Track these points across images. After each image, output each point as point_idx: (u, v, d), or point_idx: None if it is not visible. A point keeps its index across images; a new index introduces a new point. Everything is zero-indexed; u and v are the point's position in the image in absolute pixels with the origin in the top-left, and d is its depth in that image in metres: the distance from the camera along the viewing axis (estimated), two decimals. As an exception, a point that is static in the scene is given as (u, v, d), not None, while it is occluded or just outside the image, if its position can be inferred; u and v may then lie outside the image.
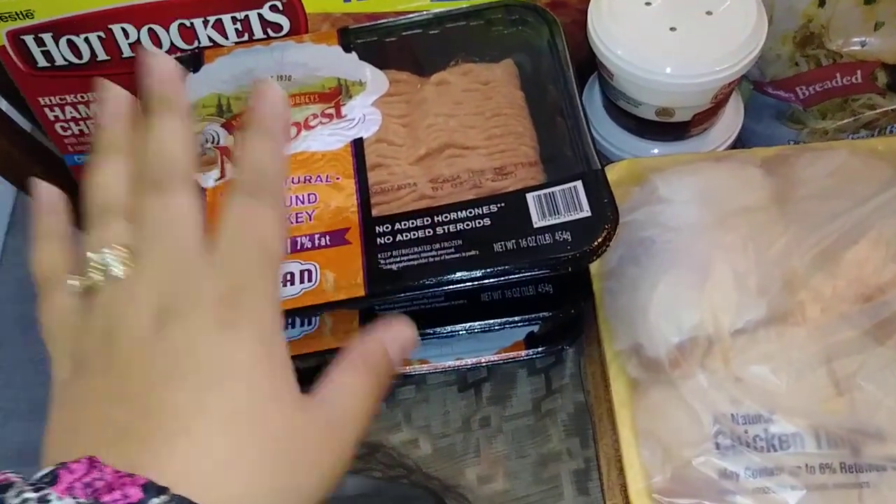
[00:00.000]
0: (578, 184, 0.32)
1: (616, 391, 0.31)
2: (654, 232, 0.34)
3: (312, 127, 0.37)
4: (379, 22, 0.41)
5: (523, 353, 0.37)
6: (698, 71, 0.36)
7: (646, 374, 0.31)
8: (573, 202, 0.32)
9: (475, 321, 0.34)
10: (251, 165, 0.24)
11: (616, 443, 0.31)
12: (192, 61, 0.40)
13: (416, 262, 0.31)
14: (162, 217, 0.23)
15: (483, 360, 0.37)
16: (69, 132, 0.47)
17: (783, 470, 0.29)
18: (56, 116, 0.45)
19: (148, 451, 0.20)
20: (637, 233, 0.34)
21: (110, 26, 0.41)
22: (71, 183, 0.51)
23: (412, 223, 0.33)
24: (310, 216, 0.34)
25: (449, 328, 0.35)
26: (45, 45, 0.42)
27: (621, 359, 0.32)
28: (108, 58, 0.42)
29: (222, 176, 0.36)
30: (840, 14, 0.39)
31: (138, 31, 0.41)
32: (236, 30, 0.42)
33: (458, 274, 0.31)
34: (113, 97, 0.26)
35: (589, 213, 0.31)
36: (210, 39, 0.42)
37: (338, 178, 0.35)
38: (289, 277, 0.32)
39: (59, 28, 0.41)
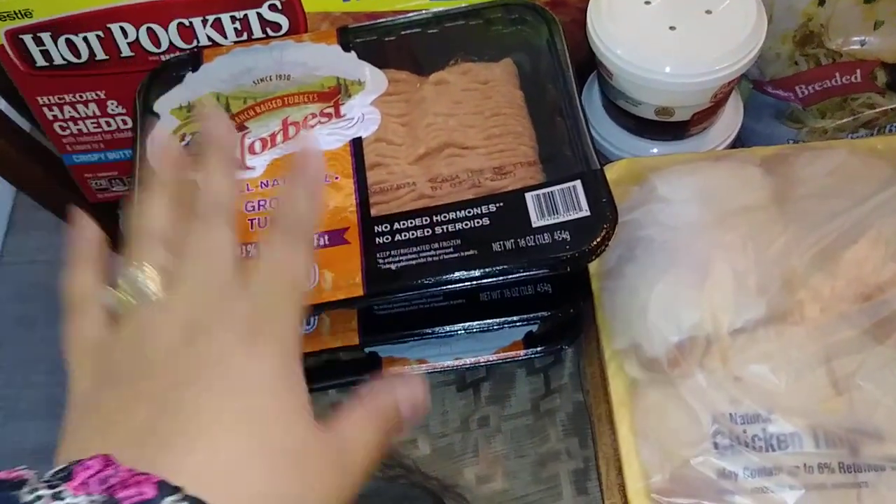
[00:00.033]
0: (577, 183, 0.32)
1: (615, 391, 0.31)
2: (653, 231, 0.34)
3: (311, 126, 0.37)
4: (378, 21, 0.41)
5: (522, 352, 0.37)
6: (698, 70, 0.36)
7: (645, 373, 0.31)
8: (572, 202, 0.32)
9: (474, 321, 0.34)
10: (289, 210, 0.27)
11: (615, 442, 0.31)
12: (191, 61, 0.40)
13: (414, 262, 0.31)
14: (201, 246, 0.25)
15: (482, 360, 0.37)
16: (68, 131, 0.47)
17: (782, 470, 0.29)
18: (55, 116, 0.45)
19: (166, 451, 0.21)
20: (636, 232, 0.34)
21: (109, 25, 0.41)
22: (70, 182, 0.51)
23: (411, 223, 0.33)
24: (308, 216, 0.34)
25: (447, 328, 0.35)
26: (43, 44, 0.41)
27: (620, 358, 0.32)
28: (107, 57, 0.42)
29: (221, 175, 0.36)
30: (840, 13, 0.39)
31: (137, 31, 0.41)
32: (235, 29, 0.41)
33: (457, 274, 0.31)
34: (167, 145, 0.29)
35: (588, 213, 0.31)
36: (209, 39, 0.42)
37: (336, 178, 0.35)
38: None
39: (58, 27, 0.41)
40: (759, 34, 0.37)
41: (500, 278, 0.31)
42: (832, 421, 0.29)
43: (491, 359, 0.38)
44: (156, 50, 0.42)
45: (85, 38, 0.41)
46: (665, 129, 0.40)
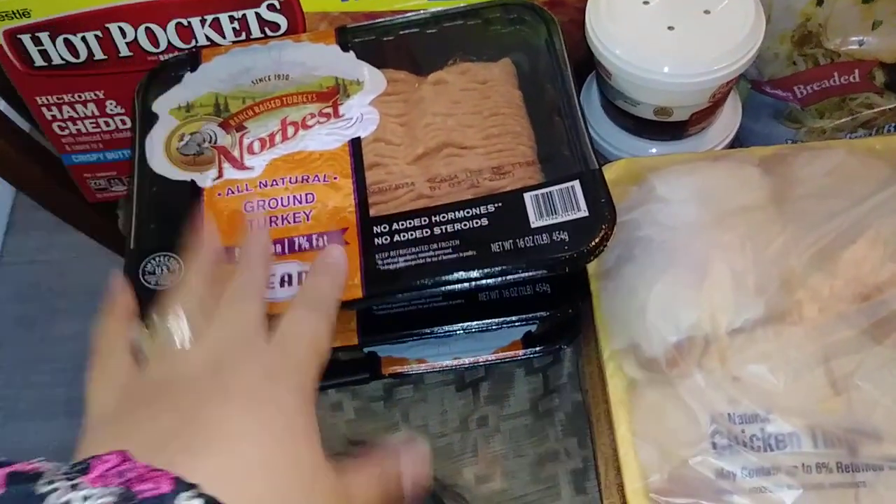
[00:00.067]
0: (576, 183, 0.32)
1: (613, 391, 0.31)
2: (651, 231, 0.34)
3: (310, 126, 0.37)
4: (377, 21, 0.41)
5: (521, 352, 0.37)
6: (696, 70, 0.36)
7: (643, 373, 0.31)
8: (571, 202, 0.32)
9: (473, 321, 0.34)
10: (312, 291, 0.30)
11: (613, 442, 0.31)
12: (190, 61, 0.40)
13: (413, 263, 0.31)
14: (231, 311, 0.28)
15: (481, 360, 0.37)
16: (66, 131, 0.47)
17: (780, 469, 0.29)
18: (53, 116, 0.45)
19: (185, 453, 0.22)
20: (635, 232, 0.34)
21: (107, 25, 0.41)
22: (69, 182, 0.51)
23: (410, 223, 0.33)
24: (307, 216, 0.34)
25: (446, 328, 0.35)
26: (41, 44, 0.41)
27: (618, 358, 0.32)
28: (105, 57, 0.42)
29: (220, 175, 0.36)
30: (838, 13, 0.39)
31: (135, 31, 0.41)
32: (234, 29, 0.41)
33: (456, 275, 0.31)
34: (209, 241, 0.32)
35: (586, 213, 0.31)
36: (207, 38, 0.42)
37: (335, 178, 0.35)
38: (286, 278, 0.32)
39: (56, 27, 0.41)
40: (757, 34, 0.37)
41: (499, 279, 0.31)
42: (830, 421, 0.29)
43: (490, 358, 0.38)
44: (154, 50, 0.42)
45: (83, 38, 0.41)
46: (663, 128, 0.40)
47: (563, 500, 0.36)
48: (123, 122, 0.46)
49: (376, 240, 0.32)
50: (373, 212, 0.34)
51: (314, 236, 0.33)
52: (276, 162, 0.36)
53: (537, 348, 0.37)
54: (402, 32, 0.40)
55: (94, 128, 0.46)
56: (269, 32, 0.42)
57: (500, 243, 0.31)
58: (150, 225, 0.35)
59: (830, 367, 0.30)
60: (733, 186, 0.36)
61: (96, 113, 0.45)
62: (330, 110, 0.37)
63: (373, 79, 0.38)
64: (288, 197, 0.35)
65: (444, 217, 0.33)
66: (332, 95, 0.38)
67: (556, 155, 0.35)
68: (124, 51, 0.42)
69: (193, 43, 0.42)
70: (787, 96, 0.43)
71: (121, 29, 0.41)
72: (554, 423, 0.38)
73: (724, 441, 0.29)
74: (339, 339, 0.36)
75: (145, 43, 0.42)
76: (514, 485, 0.37)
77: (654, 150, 0.42)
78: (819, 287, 0.32)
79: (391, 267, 0.31)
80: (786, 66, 0.42)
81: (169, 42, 0.42)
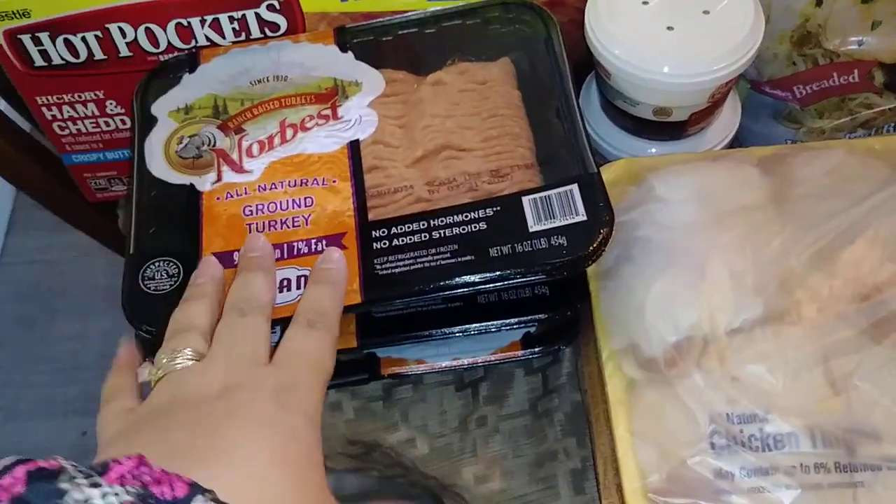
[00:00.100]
0: (574, 187, 0.32)
1: (612, 391, 0.31)
2: (650, 231, 0.34)
3: (309, 128, 0.37)
4: (375, 21, 0.41)
5: (520, 353, 0.37)
6: (696, 70, 0.36)
7: (642, 373, 0.31)
8: (569, 206, 0.32)
9: (471, 323, 0.34)
10: (313, 304, 0.30)
11: (612, 442, 0.31)
12: (189, 61, 0.40)
13: (412, 268, 0.31)
14: (236, 331, 0.28)
15: (480, 361, 0.37)
16: (66, 131, 0.47)
17: (778, 469, 0.29)
18: (53, 116, 0.45)
19: (200, 463, 0.23)
20: (634, 232, 0.34)
21: (107, 25, 0.41)
22: (69, 182, 0.51)
23: (408, 227, 0.33)
24: (306, 220, 0.34)
25: (445, 330, 0.35)
26: (41, 44, 0.41)
27: (617, 358, 0.32)
28: (105, 57, 0.42)
29: (219, 179, 0.36)
30: (837, 13, 0.39)
31: (135, 31, 0.41)
32: (233, 29, 0.41)
33: (454, 280, 0.31)
34: (211, 265, 0.32)
35: (585, 217, 0.31)
36: (207, 39, 0.42)
37: (334, 181, 0.35)
38: (285, 284, 0.32)
39: (56, 27, 0.41)
40: (756, 34, 0.37)
41: (497, 284, 0.31)
42: (829, 421, 0.29)
43: (489, 359, 0.38)
44: (154, 50, 0.42)
45: (83, 38, 0.41)
46: (663, 129, 0.40)
47: (562, 499, 0.36)
48: (123, 122, 0.46)
49: (375, 244, 0.32)
50: (371, 215, 0.34)
51: (313, 241, 0.33)
52: (275, 165, 0.36)
53: (536, 349, 0.37)
54: (400, 32, 0.40)
55: (94, 128, 0.46)
56: (268, 33, 0.42)
57: (498, 248, 0.31)
58: (150, 229, 0.35)
59: (829, 367, 0.30)
60: (732, 186, 0.36)
61: (96, 113, 0.45)
62: (328, 112, 0.37)
63: (371, 80, 0.38)
64: (287, 201, 0.34)
65: (442, 221, 0.32)
66: (331, 97, 0.38)
67: (554, 157, 0.35)
68: (124, 51, 0.42)
69: (193, 43, 0.42)
70: (786, 96, 0.43)
71: (121, 29, 0.41)
72: (553, 423, 0.38)
73: (722, 441, 0.29)
74: (339, 342, 0.35)
75: (145, 43, 0.42)
76: (513, 485, 0.37)
77: (653, 150, 0.42)
78: (818, 287, 0.32)
79: (390, 272, 0.31)
80: (785, 67, 0.42)
81: (169, 42, 0.42)
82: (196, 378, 0.27)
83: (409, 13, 0.41)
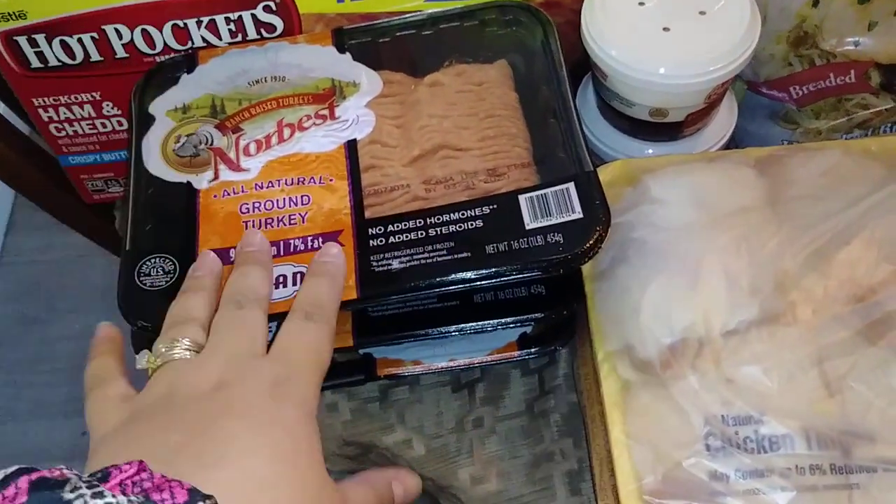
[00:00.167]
0: (571, 185, 0.32)
1: (607, 392, 0.31)
2: (646, 233, 0.34)
3: (306, 128, 0.37)
4: (373, 22, 0.41)
5: (516, 353, 0.37)
6: (692, 71, 0.36)
7: (637, 375, 0.31)
8: (565, 204, 0.32)
9: (468, 322, 0.34)
10: (311, 297, 0.30)
11: (608, 444, 0.31)
12: (186, 62, 0.40)
13: (408, 265, 0.31)
14: (235, 323, 0.28)
15: (476, 361, 0.37)
16: (63, 133, 0.47)
17: (773, 471, 0.29)
18: (50, 117, 0.45)
19: (198, 467, 0.23)
20: (629, 234, 0.34)
21: (103, 27, 0.41)
22: (66, 184, 0.51)
23: (405, 225, 0.33)
24: (303, 218, 0.34)
25: (442, 329, 0.35)
26: (38, 45, 0.42)
27: (613, 360, 0.32)
28: (102, 58, 0.42)
29: (216, 177, 0.36)
30: (833, 14, 0.39)
31: (132, 32, 0.41)
32: (230, 30, 0.42)
33: (450, 276, 0.31)
34: (209, 259, 0.32)
35: (581, 215, 0.31)
36: (204, 40, 0.42)
37: (331, 180, 0.35)
38: (282, 280, 0.32)
39: (52, 29, 0.41)
40: (752, 35, 0.37)
41: (493, 281, 0.31)
42: (824, 422, 0.29)
43: (485, 360, 0.38)
44: (150, 51, 0.42)
45: (79, 40, 0.41)
46: (659, 130, 0.40)
47: (559, 501, 0.36)
48: (120, 124, 0.46)
49: (371, 241, 0.32)
50: (368, 214, 0.34)
51: (309, 238, 0.33)
52: (272, 164, 0.36)
53: (533, 349, 0.37)
54: (398, 34, 0.40)
55: (90, 129, 0.46)
56: (265, 34, 0.42)
57: (494, 245, 0.31)
58: (146, 226, 0.35)
59: (824, 369, 0.30)
60: (728, 188, 0.36)
61: (93, 114, 0.45)
62: (326, 112, 0.37)
63: (369, 80, 0.38)
64: (284, 199, 0.35)
65: (439, 219, 0.33)
66: (329, 97, 0.38)
67: (551, 157, 0.35)
68: (121, 52, 0.42)
69: (190, 44, 0.42)
70: (782, 97, 0.43)
71: (117, 30, 0.41)
72: (549, 424, 0.38)
73: (717, 443, 0.29)
74: (335, 341, 0.35)
75: (141, 44, 0.42)
76: (509, 486, 0.37)
77: (650, 151, 0.42)
78: (813, 288, 0.32)
79: (386, 268, 0.31)
80: (782, 67, 0.42)
81: (165, 44, 0.42)
82: (193, 371, 0.27)
83: (407, 15, 0.41)
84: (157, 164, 0.37)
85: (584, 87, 0.44)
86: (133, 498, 0.19)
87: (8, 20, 0.40)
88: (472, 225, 0.32)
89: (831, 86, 0.41)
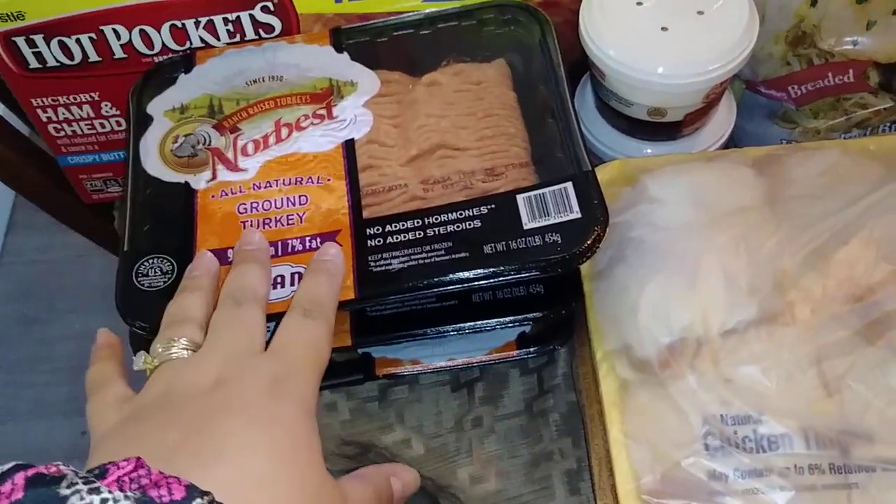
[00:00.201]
0: (569, 185, 0.32)
1: (606, 392, 0.31)
2: (644, 232, 0.34)
3: (304, 128, 0.37)
4: (371, 22, 0.41)
5: (515, 353, 0.37)
6: (690, 71, 0.36)
7: (635, 374, 0.31)
8: (563, 204, 0.32)
9: (466, 322, 0.34)
10: (309, 294, 0.30)
11: (607, 443, 0.31)
12: (184, 62, 0.40)
13: (406, 265, 0.31)
14: (231, 322, 0.28)
15: (475, 361, 0.37)
16: (62, 133, 0.47)
17: (772, 471, 0.29)
18: (49, 118, 0.46)
19: (195, 464, 0.23)
20: (627, 233, 0.34)
21: (101, 27, 0.41)
22: (66, 184, 0.51)
23: (403, 225, 0.33)
24: (301, 218, 0.34)
25: (440, 329, 0.35)
26: (36, 46, 0.42)
27: (611, 359, 0.32)
28: (100, 59, 0.42)
29: (214, 177, 0.36)
30: (832, 13, 0.39)
31: (129, 33, 0.41)
32: (228, 31, 0.42)
33: (449, 276, 0.31)
34: (206, 259, 0.32)
35: (579, 215, 0.31)
36: (202, 40, 0.42)
37: (329, 180, 0.35)
38: (279, 280, 0.32)
39: (51, 29, 0.41)
40: (751, 34, 0.37)
41: (491, 280, 0.31)
42: (823, 422, 0.29)
43: (484, 359, 0.38)
44: (149, 52, 0.42)
45: (78, 40, 0.41)
46: (658, 129, 0.40)
47: (558, 500, 0.36)
48: (118, 124, 0.46)
49: (369, 241, 0.32)
50: (366, 213, 0.34)
51: (307, 238, 0.33)
52: (270, 164, 0.36)
53: (531, 349, 0.37)
54: (396, 34, 0.40)
55: (89, 129, 0.46)
56: (263, 34, 0.42)
57: (492, 245, 0.31)
58: (144, 227, 0.35)
59: (823, 369, 0.30)
60: (727, 187, 0.36)
61: (91, 115, 0.45)
62: (324, 112, 0.37)
63: (367, 80, 0.38)
64: (281, 199, 0.35)
65: (437, 219, 0.33)
66: (326, 97, 0.38)
67: (549, 156, 0.35)
68: (119, 53, 0.42)
69: (188, 45, 0.42)
70: (781, 96, 0.43)
71: (115, 31, 0.41)
72: (548, 423, 0.38)
73: (716, 442, 0.29)
74: (333, 341, 0.35)
75: (140, 45, 0.42)
76: (508, 485, 0.37)
77: (648, 151, 0.42)
78: (812, 288, 0.32)
79: (384, 268, 0.31)
80: (780, 67, 0.42)
81: (163, 44, 0.42)
82: (192, 369, 0.27)
83: (405, 15, 0.41)
84: (154, 165, 0.37)
85: (583, 87, 0.44)
86: (130, 494, 0.19)
87: (6, 21, 0.40)
88: (470, 225, 0.32)
89: (830, 85, 0.41)
